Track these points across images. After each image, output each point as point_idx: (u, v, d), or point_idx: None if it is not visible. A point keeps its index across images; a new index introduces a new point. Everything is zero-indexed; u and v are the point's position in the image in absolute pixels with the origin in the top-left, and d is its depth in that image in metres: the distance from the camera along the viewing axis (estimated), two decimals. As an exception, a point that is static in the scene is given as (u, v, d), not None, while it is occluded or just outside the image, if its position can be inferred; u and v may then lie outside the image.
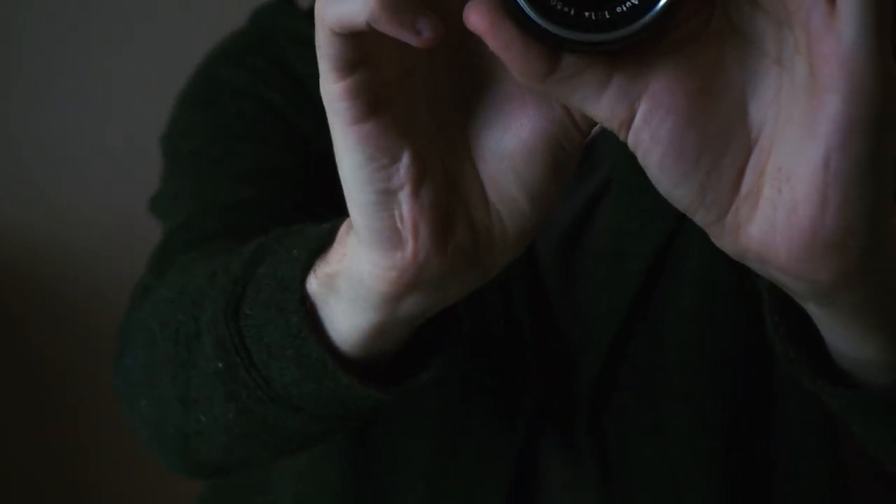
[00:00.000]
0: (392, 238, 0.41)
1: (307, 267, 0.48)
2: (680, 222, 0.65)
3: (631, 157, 0.40)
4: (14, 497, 1.56)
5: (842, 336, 0.44)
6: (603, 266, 0.67)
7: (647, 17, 0.36)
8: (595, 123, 0.41)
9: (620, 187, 0.66)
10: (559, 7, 0.37)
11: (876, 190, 0.36)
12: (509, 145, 0.41)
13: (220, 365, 0.52)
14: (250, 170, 0.69)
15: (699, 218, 0.39)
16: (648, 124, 0.38)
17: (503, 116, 0.41)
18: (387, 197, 0.41)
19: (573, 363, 0.68)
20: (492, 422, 0.68)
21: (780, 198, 0.37)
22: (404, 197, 0.41)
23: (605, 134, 0.67)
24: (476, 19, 0.37)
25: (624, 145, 0.40)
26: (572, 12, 0.37)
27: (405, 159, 0.40)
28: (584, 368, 0.67)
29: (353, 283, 0.45)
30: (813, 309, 0.43)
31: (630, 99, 0.38)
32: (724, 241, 0.39)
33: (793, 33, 0.37)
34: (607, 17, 0.37)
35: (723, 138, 0.38)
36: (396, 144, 0.40)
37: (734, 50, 0.38)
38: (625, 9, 0.37)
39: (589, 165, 0.68)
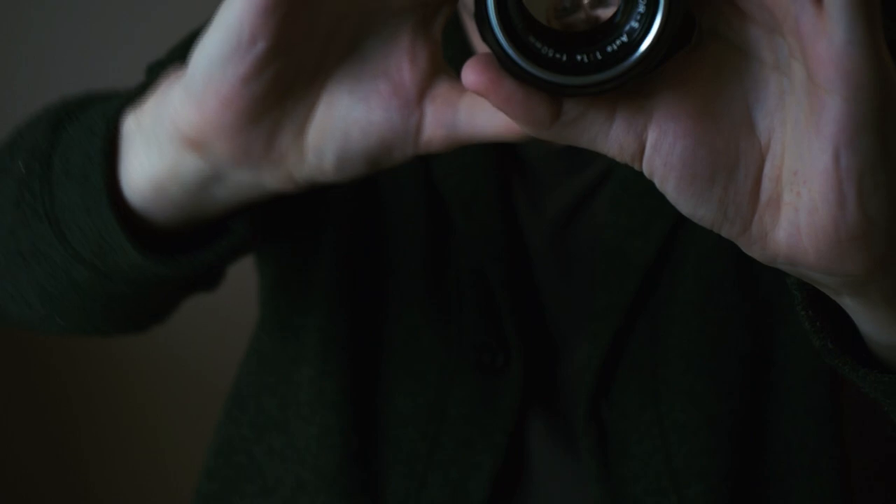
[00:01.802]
0: (201, 98, 0.43)
1: (133, 100, 0.50)
2: (681, 218, 0.65)
3: None
4: (14, 497, 1.56)
5: (877, 325, 0.45)
6: (602, 261, 0.67)
7: (638, 54, 0.37)
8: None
9: (619, 183, 0.67)
10: (552, 55, 0.37)
11: (891, 179, 0.37)
12: (357, 113, 0.43)
13: (23, 169, 0.53)
14: None
15: (725, 232, 0.40)
16: (659, 152, 0.39)
17: (372, 88, 0.43)
18: (221, 64, 0.42)
19: (565, 355, 0.68)
20: (472, 410, 0.68)
21: (799, 200, 0.38)
22: (235, 73, 0.42)
23: None
24: (475, 78, 0.38)
25: None
26: (565, 58, 0.37)
27: (259, 48, 0.41)
28: (582, 362, 0.67)
29: (155, 118, 0.46)
30: (847, 301, 0.43)
31: (636, 131, 0.39)
32: (753, 250, 0.40)
33: (785, 40, 0.37)
34: (599, 57, 0.37)
35: (734, 152, 0.39)
36: (265, 33, 0.41)
37: (731, 64, 0.39)
38: (615, 47, 0.37)
39: (581, 160, 0.68)
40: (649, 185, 0.40)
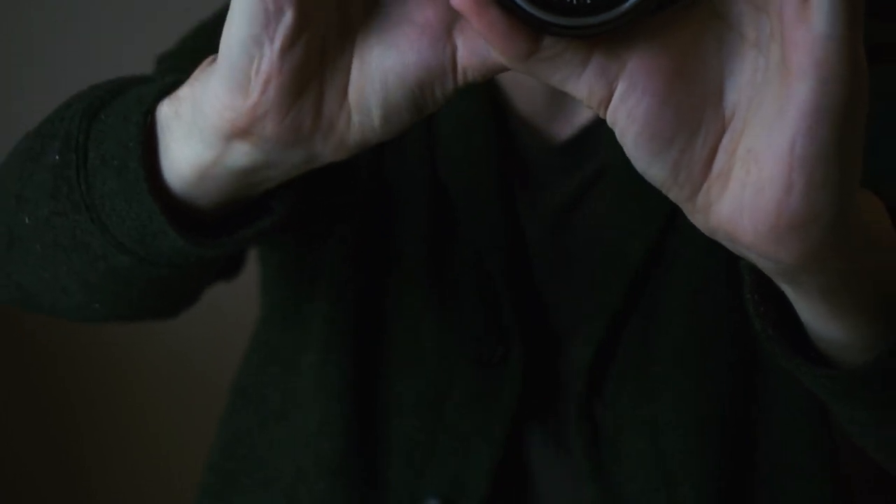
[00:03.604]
0: (242, 82, 0.43)
1: (167, 89, 0.50)
2: (674, 216, 0.66)
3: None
4: (15, 498, 1.56)
5: (814, 317, 0.45)
6: (597, 256, 0.67)
7: (628, 4, 0.37)
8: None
9: (613, 181, 0.67)
10: None
11: (840, 177, 0.37)
12: (390, 61, 0.43)
13: (58, 158, 0.53)
14: None
15: (673, 195, 0.40)
16: (625, 103, 0.39)
17: (399, 34, 0.43)
18: (255, 42, 0.42)
19: (563, 353, 0.68)
20: (471, 404, 0.68)
21: (748, 178, 0.38)
22: (269, 51, 0.42)
23: (597, 126, 0.68)
24: (461, 0, 0.38)
25: None
26: None
27: (288, 17, 0.41)
28: (574, 360, 0.68)
29: (195, 110, 0.46)
30: (785, 288, 0.44)
31: (608, 78, 0.39)
32: (696, 218, 0.41)
33: (769, 20, 0.37)
34: (589, 1, 0.37)
35: (697, 118, 0.39)
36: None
37: (713, 32, 0.39)
38: None
39: (578, 157, 0.68)
40: (642, 184, 0.41)
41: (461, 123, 0.69)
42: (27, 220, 0.55)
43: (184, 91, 0.48)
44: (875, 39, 0.63)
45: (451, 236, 0.70)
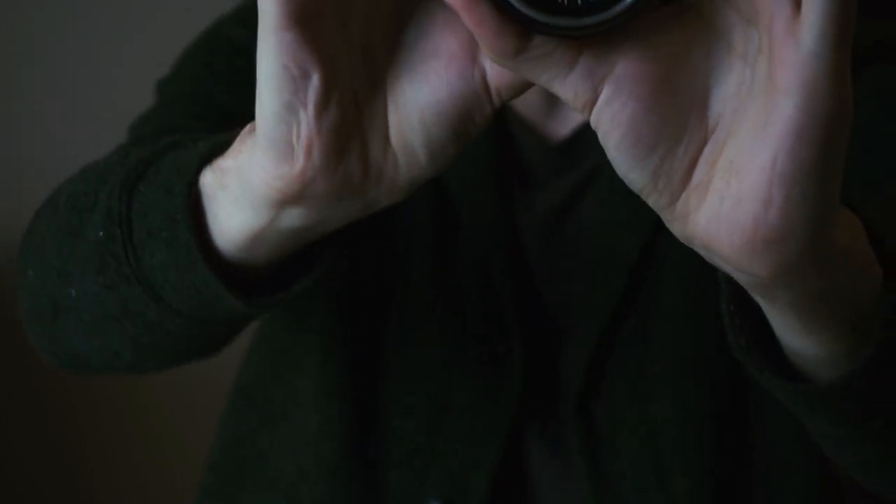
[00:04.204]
0: (285, 151, 0.43)
1: (206, 158, 0.49)
2: None
3: None
4: (16, 498, 1.56)
5: (786, 330, 0.45)
6: (590, 258, 0.67)
7: (620, 6, 0.37)
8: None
9: (606, 181, 0.67)
10: None
11: (819, 196, 0.37)
12: (423, 98, 0.43)
13: (102, 234, 0.53)
14: (219, 112, 0.69)
15: (651, 201, 0.40)
16: (610, 107, 0.39)
17: (427, 70, 0.43)
18: (289, 110, 0.42)
19: (563, 352, 0.69)
20: (473, 404, 0.68)
21: (727, 190, 0.38)
22: (305, 115, 0.42)
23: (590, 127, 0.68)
24: None
25: None
26: None
27: (315, 80, 0.41)
28: (572, 359, 0.68)
29: (242, 182, 0.46)
30: (759, 301, 0.44)
31: (594, 82, 0.39)
32: (673, 226, 0.41)
33: (759, 33, 0.37)
34: (580, 3, 0.38)
35: (681, 126, 0.39)
36: (310, 62, 0.41)
37: (702, 42, 0.39)
38: None
39: (574, 157, 0.69)
40: None
41: None
42: (73, 294, 0.55)
43: (227, 163, 0.48)
44: (871, 37, 0.63)
45: (452, 237, 0.70)
